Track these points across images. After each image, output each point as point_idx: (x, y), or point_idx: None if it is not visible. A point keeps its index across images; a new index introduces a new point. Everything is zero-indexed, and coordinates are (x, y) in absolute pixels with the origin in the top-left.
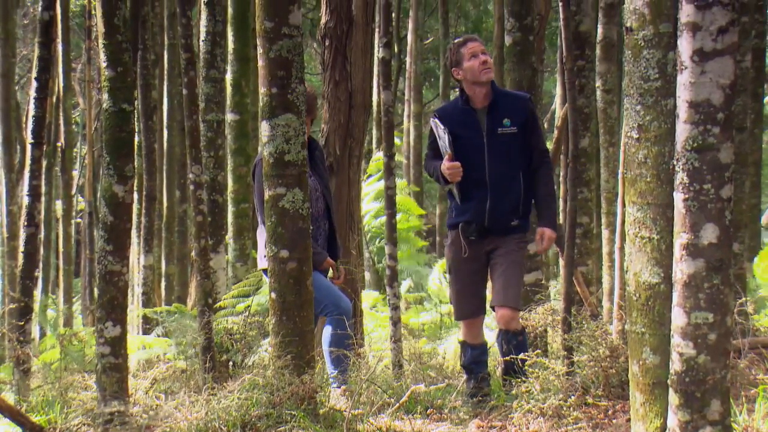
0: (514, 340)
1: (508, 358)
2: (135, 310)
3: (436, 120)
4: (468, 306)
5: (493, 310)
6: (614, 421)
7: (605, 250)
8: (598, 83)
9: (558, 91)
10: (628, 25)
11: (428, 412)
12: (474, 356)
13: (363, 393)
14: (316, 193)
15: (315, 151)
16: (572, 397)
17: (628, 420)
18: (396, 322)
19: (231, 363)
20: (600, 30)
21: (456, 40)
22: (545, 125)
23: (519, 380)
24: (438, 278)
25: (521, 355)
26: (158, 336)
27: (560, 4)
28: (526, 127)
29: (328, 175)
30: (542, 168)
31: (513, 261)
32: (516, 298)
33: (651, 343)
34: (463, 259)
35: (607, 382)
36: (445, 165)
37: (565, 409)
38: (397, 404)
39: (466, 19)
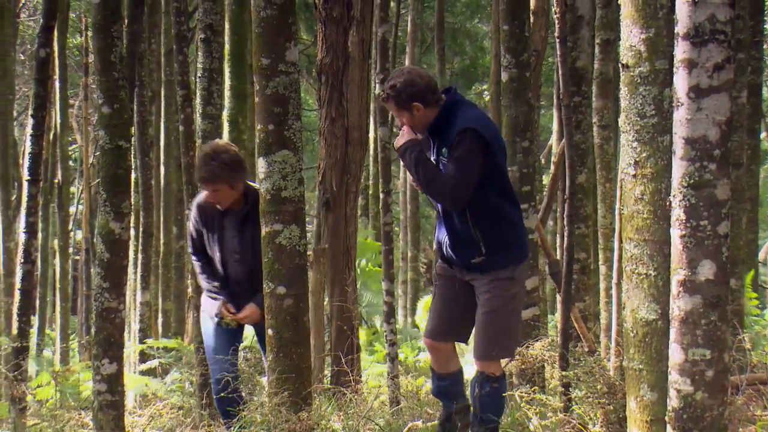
0: (487, 386)
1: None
2: (132, 347)
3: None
4: (432, 326)
5: None
6: None
7: (602, 286)
8: (594, 119)
9: (555, 126)
10: (625, 61)
11: None
12: (441, 387)
13: (361, 430)
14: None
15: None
16: None
17: None
18: (393, 358)
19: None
20: (596, 66)
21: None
22: (542, 161)
23: (514, 416)
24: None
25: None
26: (151, 369)
27: (557, 40)
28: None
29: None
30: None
31: (485, 311)
32: (484, 350)
33: (649, 380)
34: (442, 279)
35: (605, 419)
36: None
37: None
38: None
39: (463, 55)
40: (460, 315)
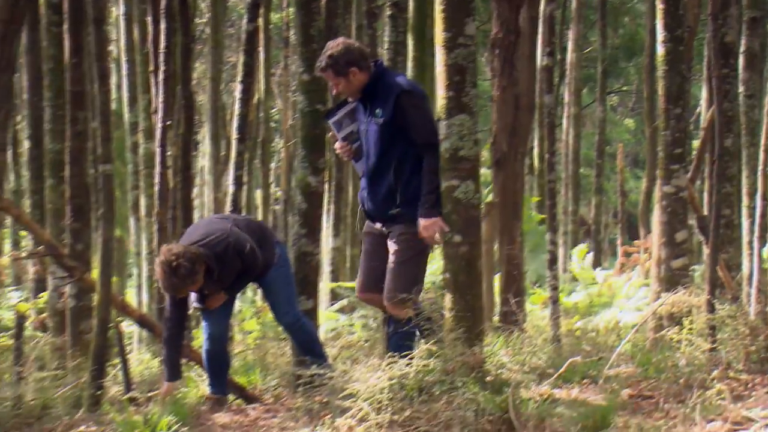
0: (392, 326)
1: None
2: (324, 287)
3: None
4: (360, 280)
5: None
6: (753, 393)
7: (745, 239)
8: (741, 89)
9: (704, 95)
10: None
11: (583, 382)
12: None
13: (526, 363)
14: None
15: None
16: (715, 371)
17: (767, 392)
18: (555, 301)
19: None
20: (744, 41)
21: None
22: (691, 127)
23: (665, 355)
24: (578, 263)
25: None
26: (341, 306)
27: (709, 18)
28: (396, 119)
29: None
30: (424, 162)
31: (393, 261)
32: (389, 294)
33: None
34: (368, 236)
35: (747, 358)
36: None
37: (708, 381)
38: (557, 374)
39: (622, 31)
40: (383, 267)
